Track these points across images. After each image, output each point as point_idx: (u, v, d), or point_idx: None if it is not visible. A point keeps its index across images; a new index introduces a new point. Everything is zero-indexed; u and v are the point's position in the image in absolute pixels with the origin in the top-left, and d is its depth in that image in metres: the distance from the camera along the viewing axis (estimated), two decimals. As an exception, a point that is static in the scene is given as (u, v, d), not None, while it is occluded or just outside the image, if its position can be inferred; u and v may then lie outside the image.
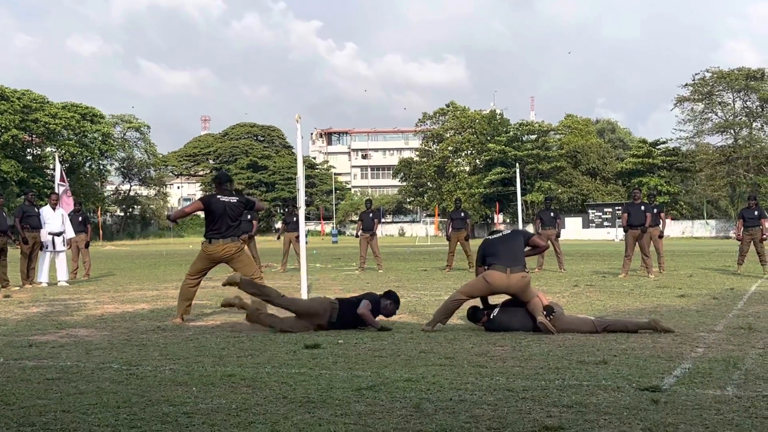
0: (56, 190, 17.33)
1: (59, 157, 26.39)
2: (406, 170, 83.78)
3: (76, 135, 66.59)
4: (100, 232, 57.17)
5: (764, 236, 15.87)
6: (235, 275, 8.25)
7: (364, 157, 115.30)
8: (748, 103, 62.46)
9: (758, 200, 17.12)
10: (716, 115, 63.76)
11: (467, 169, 77.24)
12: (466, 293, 8.01)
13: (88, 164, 72.03)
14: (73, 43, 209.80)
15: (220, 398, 4.83)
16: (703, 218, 61.21)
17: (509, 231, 8.32)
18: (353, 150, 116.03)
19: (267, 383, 5.26)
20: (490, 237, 8.25)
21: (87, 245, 17.30)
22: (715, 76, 61.90)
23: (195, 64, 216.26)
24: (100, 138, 69.94)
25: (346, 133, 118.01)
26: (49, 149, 64.98)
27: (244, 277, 8.25)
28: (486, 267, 7.89)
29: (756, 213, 16.04)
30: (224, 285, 8.25)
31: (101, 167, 74.79)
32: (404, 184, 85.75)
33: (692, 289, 12.34)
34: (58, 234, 15.39)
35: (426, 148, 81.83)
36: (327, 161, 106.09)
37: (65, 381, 5.46)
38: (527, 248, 8.17)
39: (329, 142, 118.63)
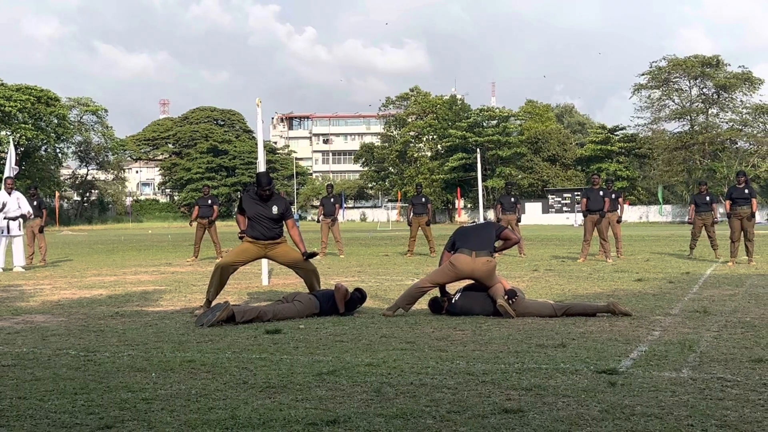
0: (10, 174, 17.00)
1: (14, 141, 25.83)
2: (367, 155, 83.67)
3: (31, 118, 65.26)
4: (57, 217, 56.25)
5: (715, 221, 16.16)
6: (230, 309, 7.53)
7: (326, 141, 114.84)
8: (704, 90, 63.41)
9: (709, 186, 17.39)
10: (673, 101, 64.66)
11: (429, 154, 77.33)
12: (432, 281, 8.03)
13: (44, 148, 70.67)
14: (29, 24, 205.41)
15: (179, 384, 4.79)
16: (660, 203, 62.12)
17: (484, 222, 8.36)
18: (314, 135, 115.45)
19: (227, 369, 5.24)
20: (465, 225, 8.31)
21: (41, 230, 17.01)
22: (672, 63, 62.72)
23: (153, 47, 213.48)
24: (56, 121, 68.64)
25: (308, 117, 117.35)
26: (3, 132, 63.61)
27: (236, 310, 7.65)
28: (452, 252, 7.93)
29: (708, 198, 16.30)
30: (210, 312, 7.55)
31: (57, 151, 73.38)
32: (366, 169, 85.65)
33: (649, 273, 12.53)
34: (14, 219, 15.10)
35: (388, 133, 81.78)
36: (288, 146, 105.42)
37: (21, 368, 5.37)
38: (499, 241, 8.22)
39: (290, 127, 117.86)
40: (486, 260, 7.75)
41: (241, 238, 8.47)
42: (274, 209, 8.39)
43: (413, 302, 8.03)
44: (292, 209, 8.76)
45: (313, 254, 8.53)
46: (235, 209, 8.94)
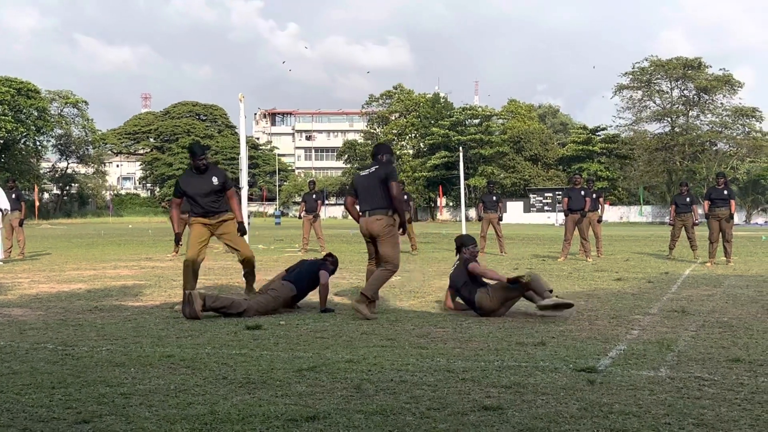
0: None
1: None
2: (350, 152, 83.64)
3: (11, 110, 64.63)
4: (36, 210, 55.78)
5: (696, 222, 16.26)
6: (197, 294, 7.53)
7: (308, 138, 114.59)
8: (685, 91, 63.93)
9: (690, 187, 17.51)
10: (654, 103, 65.15)
11: (411, 152, 77.43)
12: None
13: (23, 141, 70.06)
14: (9, 16, 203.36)
15: (158, 379, 4.77)
16: (640, 204, 62.54)
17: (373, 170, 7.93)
18: (297, 131, 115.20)
19: (207, 364, 5.22)
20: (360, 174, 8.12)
21: (21, 223, 16.86)
22: (654, 64, 63.14)
23: (135, 40, 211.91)
24: (36, 114, 68.03)
25: (290, 114, 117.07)
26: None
27: (207, 294, 7.69)
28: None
29: (688, 199, 16.40)
30: (186, 305, 7.50)
31: (37, 144, 72.77)
32: (348, 166, 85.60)
33: (628, 272, 12.61)
34: (-8, 212, 14.96)
35: (371, 130, 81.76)
36: (270, 142, 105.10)
37: (-2, 362, 5.33)
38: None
39: (273, 123, 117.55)
40: (376, 219, 7.69)
41: (177, 241, 8.35)
42: (214, 180, 8.35)
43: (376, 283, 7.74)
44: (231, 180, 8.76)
45: (244, 230, 8.55)
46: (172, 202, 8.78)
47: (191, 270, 8.19)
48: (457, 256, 8.22)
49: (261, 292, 8.09)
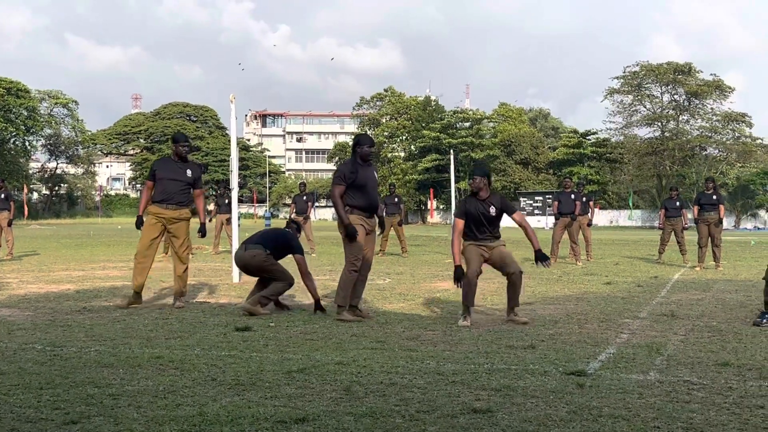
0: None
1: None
2: (341, 154, 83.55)
3: (1, 110, 64.33)
4: (25, 210, 55.49)
5: (685, 226, 16.31)
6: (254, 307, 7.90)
7: (299, 140, 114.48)
8: (675, 96, 64.11)
9: (679, 191, 17.57)
10: (644, 107, 65.30)
11: (402, 155, 77.44)
12: None
13: (12, 140, 69.72)
14: (0, 15, 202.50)
15: (147, 380, 4.75)
16: (630, 208, 62.71)
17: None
18: (288, 133, 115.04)
19: (196, 365, 5.20)
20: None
21: (10, 223, 16.77)
22: (645, 69, 63.34)
23: (126, 40, 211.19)
24: (25, 113, 67.73)
25: (281, 115, 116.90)
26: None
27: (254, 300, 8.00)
28: None
29: (677, 204, 16.45)
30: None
31: (27, 144, 72.43)
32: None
33: (618, 276, 12.64)
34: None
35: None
36: (261, 143, 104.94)
37: (-15, 362, 5.29)
38: None
39: (264, 125, 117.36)
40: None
41: (139, 226, 8.47)
42: (189, 172, 8.54)
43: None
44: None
45: (205, 231, 8.70)
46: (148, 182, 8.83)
47: (140, 265, 8.33)
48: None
49: (256, 290, 8.08)
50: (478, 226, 7.48)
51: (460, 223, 7.53)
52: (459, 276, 7.29)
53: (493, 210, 7.46)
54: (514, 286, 7.46)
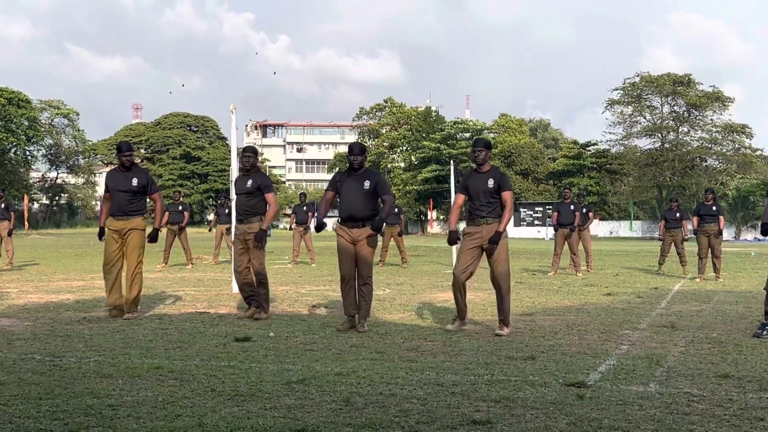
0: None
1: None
2: (341, 165, 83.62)
3: (1, 120, 64.42)
4: (26, 220, 55.49)
5: (685, 237, 16.30)
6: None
7: (299, 150, 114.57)
8: (675, 107, 64.23)
9: (679, 202, 17.57)
10: (644, 118, 65.40)
11: (402, 165, 77.48)
12: None
13: (13, 150, 69.78)
14: (1, 25, 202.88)
15: (146, 391, 4.74)
16: (630, 219, 62.70)
17: None
18: (288, 143, 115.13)
19: (195, 376, 5.19)
20: None
21: (10, 233, 16.77)
22: (645, 80, 63.48)
23: (126, 51, 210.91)
24: (26, 124, 67.82)
25: (282, 126, 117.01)
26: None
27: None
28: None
29: (677, 215, 16.45)
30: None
31: (27, 154, 72.49)
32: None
33: (618, 287, 12.63)
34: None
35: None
36: (262, 154, 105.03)
37: (-16, 372, 5.28)
38: None
39: (264, 135, 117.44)
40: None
41: (101, 236, 8.53)
42: (134, 181, 8.54)
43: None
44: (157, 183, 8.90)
45: (155, 236, 8.81)
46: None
47: (109, 276, 8.46)
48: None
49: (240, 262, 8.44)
50: (478, 201, 7.54)
51: (461, 197, 7.82)
52: (453, 240, 7.72)
53: (491, 182, 7.51)
54: (498, 291, 7.59)
